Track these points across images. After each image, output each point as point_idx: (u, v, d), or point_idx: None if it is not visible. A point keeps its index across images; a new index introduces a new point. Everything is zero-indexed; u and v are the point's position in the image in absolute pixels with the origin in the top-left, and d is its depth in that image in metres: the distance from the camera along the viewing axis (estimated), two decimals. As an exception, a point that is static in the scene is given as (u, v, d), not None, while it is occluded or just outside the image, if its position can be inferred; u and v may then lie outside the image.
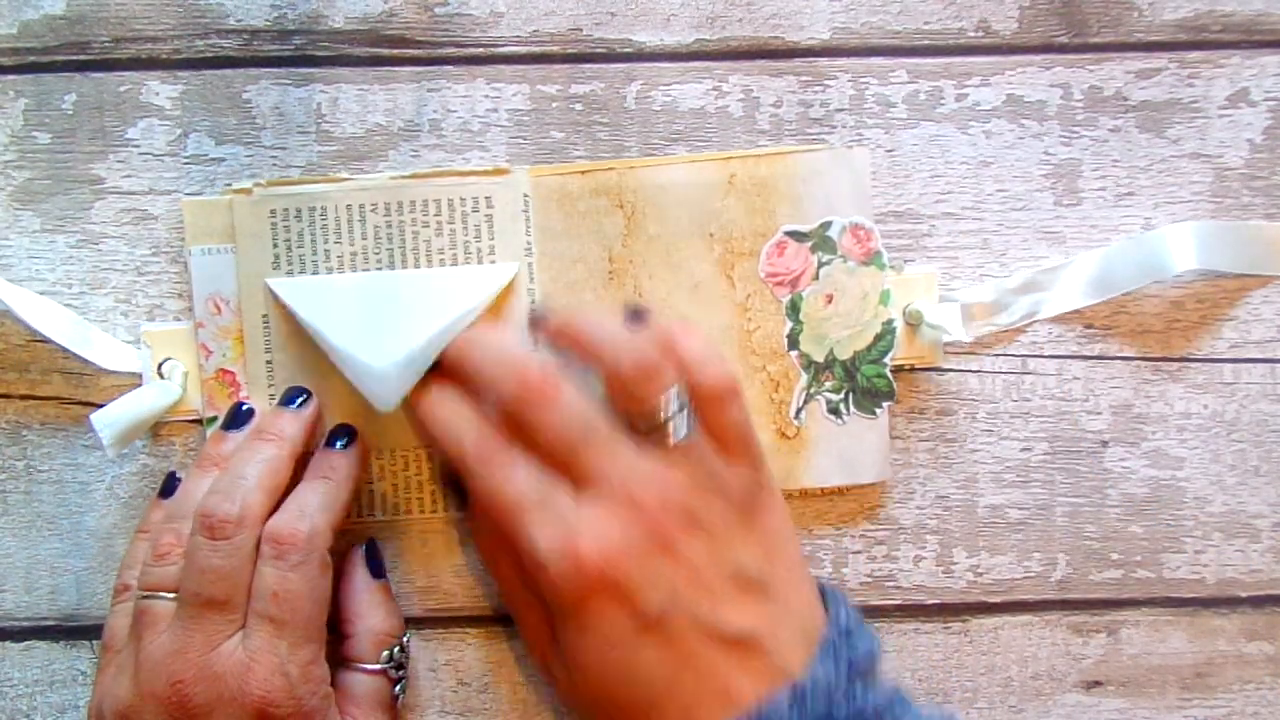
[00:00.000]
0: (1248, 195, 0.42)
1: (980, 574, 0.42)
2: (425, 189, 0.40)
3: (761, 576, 0.36)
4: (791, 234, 0.41)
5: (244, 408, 0.39)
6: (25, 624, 0.41)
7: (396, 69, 0.41)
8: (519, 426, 0.37)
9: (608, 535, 0.35)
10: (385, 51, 0.41)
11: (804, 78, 0.41)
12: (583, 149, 0.41)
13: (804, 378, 0.41)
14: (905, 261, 0.42)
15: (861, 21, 0.42)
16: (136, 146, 0.41)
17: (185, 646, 0.35)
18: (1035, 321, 0.42)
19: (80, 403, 0.40)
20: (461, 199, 0.40)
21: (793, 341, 0.41)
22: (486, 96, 0.41)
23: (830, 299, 0.41)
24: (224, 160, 0.41)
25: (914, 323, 0.41)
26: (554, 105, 0.41)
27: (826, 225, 0.41)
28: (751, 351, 0.41)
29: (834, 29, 0.42)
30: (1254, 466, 0.42)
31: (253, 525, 0.36)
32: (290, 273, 0.39)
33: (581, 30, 0.41)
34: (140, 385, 0.40)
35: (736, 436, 0.37)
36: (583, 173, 0.40)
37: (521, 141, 0.41)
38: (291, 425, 0.38)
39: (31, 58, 0.41)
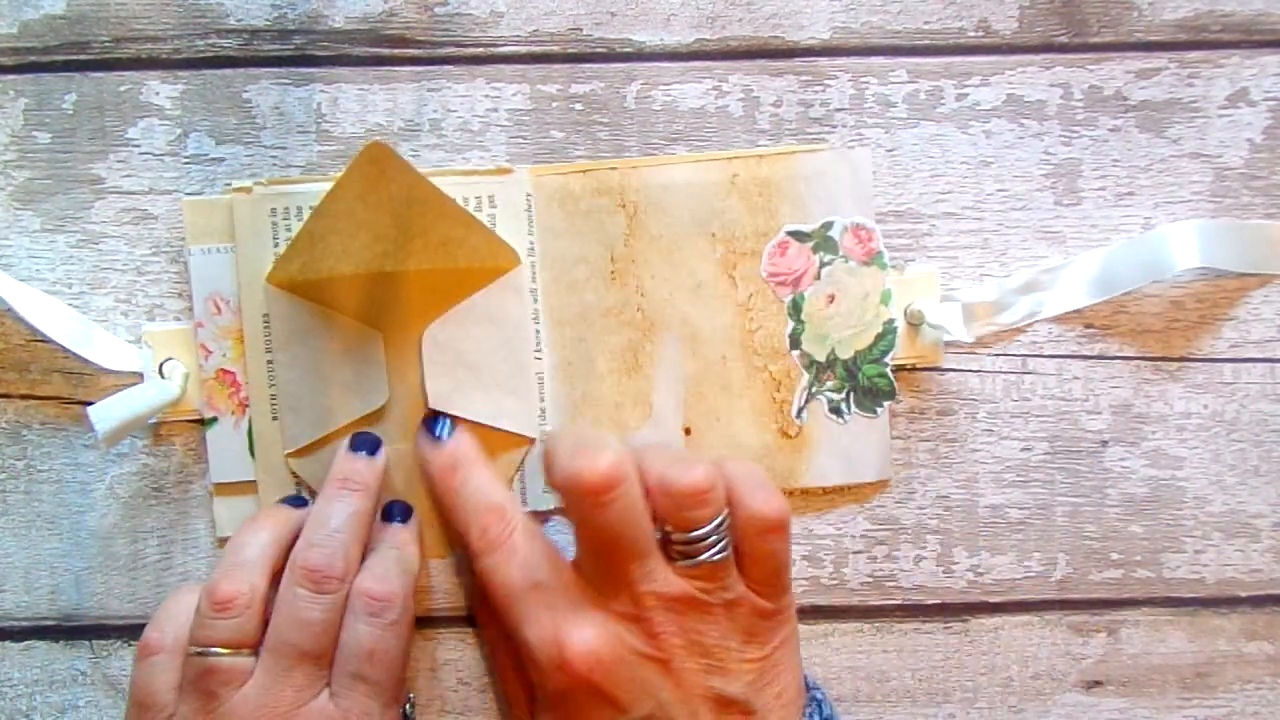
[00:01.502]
0: (1248, 195, 0.42)
1: (980, 574, 0.42)
2: None
3: (747, 701, 0.36)
4: (794, 234, 0.41)
5: (303, 498, 0.40)
6: (25, 624, 0.41)
7: (396, 69, 0.41)
8: (570, 509, 0.37)
9: (599, 640, 0.35)
10: (385, 51, 0.41)
11: (804, 77, 0.41)
12: (583, 149, 0.41)
13: (805, 377, 0.41)
14: (906, 261, 0.42)
15: (861, 21, 0.42)
16: (136, 146, 0.41)
17: (275, 701, 0.35)
18: (1037, 321, 0.42)
19: (80, 402, 0.40)
20: (464, 199, 0.40)
21: (794, 341, 0.41)
22: (486, 96, 0.41)
23: (832, 299, 0.41)
24: (224, 160, 0.41)
25: (915, 322, 0.41)
26: (554, 105, 0.41)
27: (828, 225, 0.41)
28: (753, 351, 0.41)
29: (834, 29, 0.42)
30: (1254, 466, 0.42)
31: (349, 580, 0.36)
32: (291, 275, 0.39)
33: (581, 30, 0.41)
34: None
35: (771, 569, 0.37)
36: (584, 172, 0.40)
37: (521, 141, 0.41)
38: (372, 475, 0.38)
39: (31, 57, 0.41)
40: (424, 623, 0.41)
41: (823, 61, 0.42)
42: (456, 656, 0.41)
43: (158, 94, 0.41)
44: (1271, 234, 0.42)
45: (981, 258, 0.42)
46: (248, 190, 0.40)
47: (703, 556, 0.36)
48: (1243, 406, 0.42)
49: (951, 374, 0.42)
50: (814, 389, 0.41)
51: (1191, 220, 0.42)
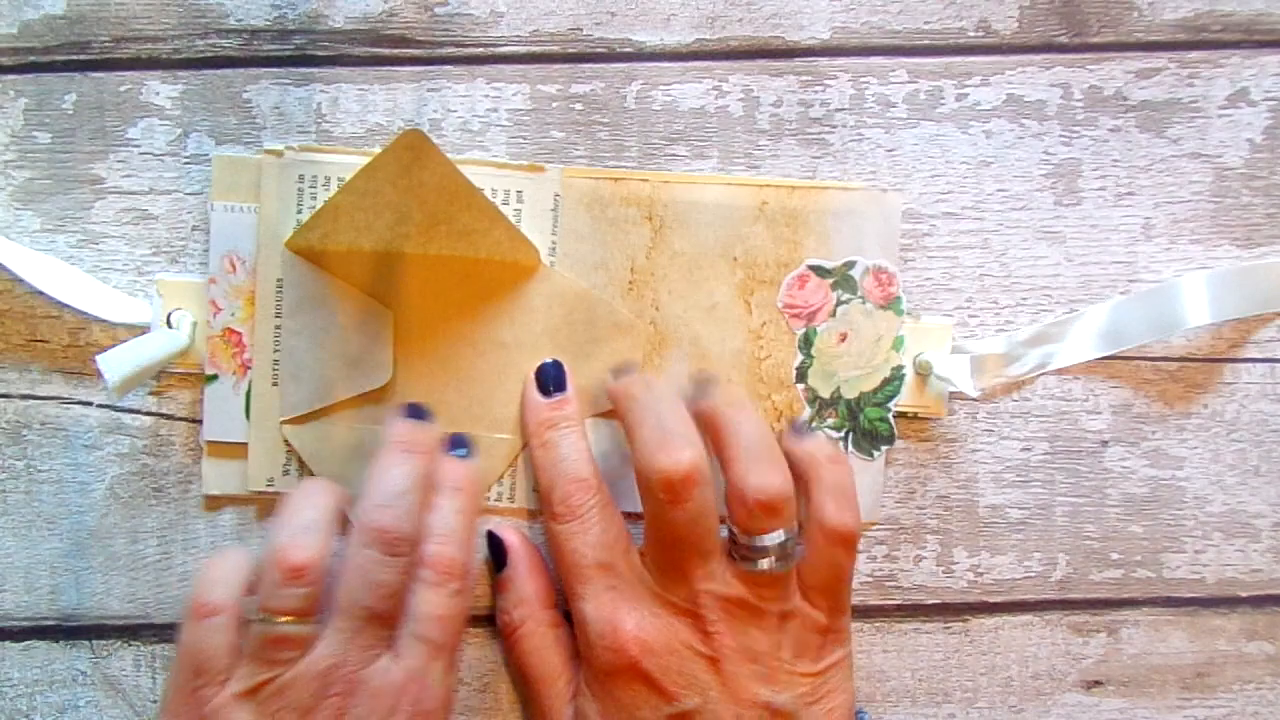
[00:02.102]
0: (1248, 195, 0.42)
1: (980, 574, 0.42)
2: None
3: (795, 713, 0.36)
4: (815, 268, 0.41)
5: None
6: (25, 624, 0.41)
7: (396, 69, 0.41)
8: (645, 499, 0.37)
9: (653, 628, 0.36)
10: (385, 51, 0.41)
11: (804, 77, 0.41)
12: (583, 149, 0.41)
13: (807, 411, 0.41)
14: (922, 310, 0.41)
15: (861, 21, 0.42)
16: (137, 146, 0.41)
17: (342, 661, 0.35)
18: (1044, 373, 0.42)
19: (80, 403, 0.40)
20: (494, 191, 0.40)
21: (801, 374, 0.41)
22: (486, 96, 0.41)
23: (844, 337, 0.41)
24: (224, 160, 0.41)
25: (923, 373, 0.41)
26: (554, 105, 0.41)
27: (850, 264, 0.41)
28: (759, 379, 0.41)
29: (834, 29, 0.42)
30: (1254, 466, 0.42)
31: (416, 542, 0.36)
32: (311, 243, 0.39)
33: (581, 30, 0.41)
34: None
35: (830, 579, 0.37)
36: (615, 180, 0.40)
37: (521, 141, 0.41)
38: (430, 439, 0.38)
39: (32, 57, 0.41)
40: (424, 623, 0.41)
41: (823, 61, 0.42)
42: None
43: (158, 94, 0.41)
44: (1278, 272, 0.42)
45: (981, 258, 0.42)
46: (279, 154, 0.40)
47: (762, 564, 0.36)
48: (1243, 406, 0.42)
49: (951, 374, 0.42)
50: (814, 424, 0.41)
51: (1201, 272, 0.41)
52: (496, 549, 0.40)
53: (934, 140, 0.42)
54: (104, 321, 0.40)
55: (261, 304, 0.40)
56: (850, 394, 0.41)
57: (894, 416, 0.41)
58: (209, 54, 0.41)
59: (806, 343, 0.41)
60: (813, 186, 0.41)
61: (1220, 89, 0.42)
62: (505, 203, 0.40)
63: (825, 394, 0.41)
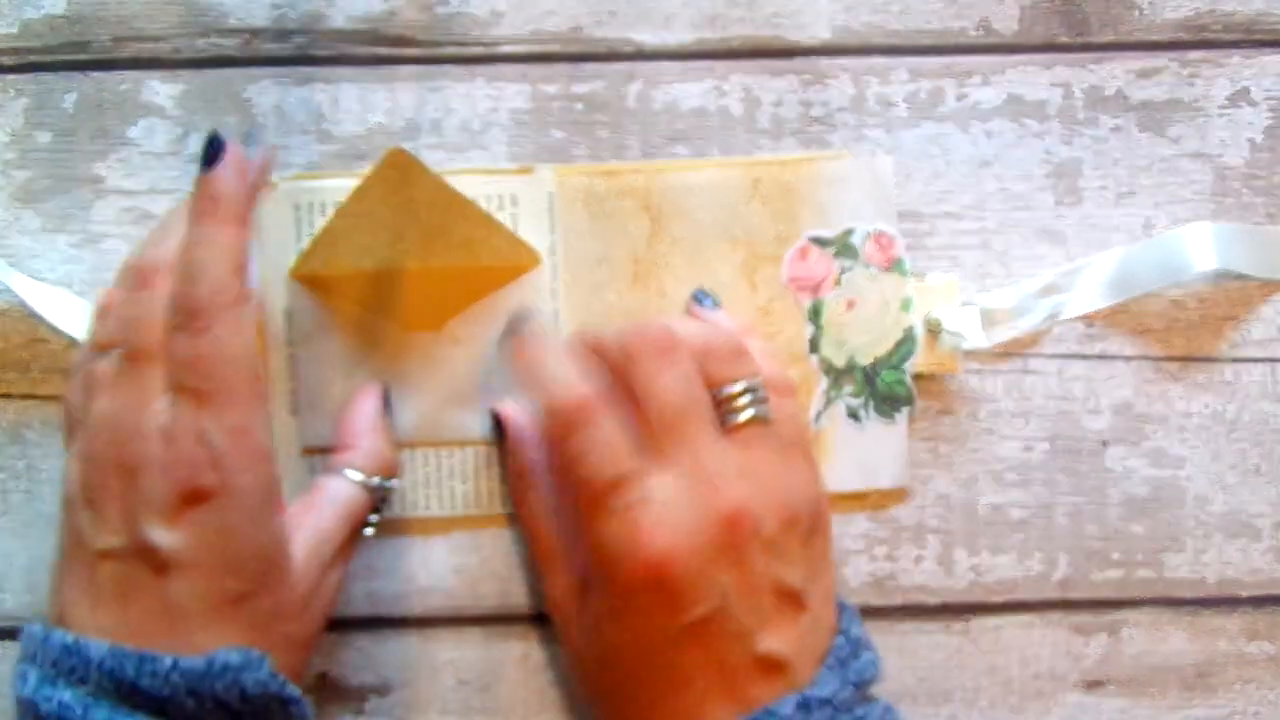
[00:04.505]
0: (1248, 195, 0.42)
1: (981, 574, 0.42)
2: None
3: (804, 591, 0.36)
4: (815, 240, 0.41)
5: None
6: (25, 624, 0.41)
7: (397, 68, 0.41)
8: (623, 382, 0.35)
9: (678, 530, 0.34)
10: (386, 51, 0.41)
11: (804, 77, 0.41)
12: (583, 148, 0.41)
13: (824, 382, 0.41)
14: (926, 269, 0.41)
15: (862, 21, 0.42)
16: (137, 146, 0.41)
17: (123, 405, 0.33)
18: (1056, 324, 0.41)
19: (80, 402, 0.40)
20: (486, 197, 0.40)
21: (814, 346, 0.41)
22: (487, 96, 0.41)
23: (851, 305, 0.41)
24: (224, 160, 0.41)
25: (934, 330, 0.41)
26: (554, 105, 0.41)
27: (849, 232, 0.41)
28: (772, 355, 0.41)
29: (835, 28, 0.42)
30: (1255, 466, 0.42)
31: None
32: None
33: (582, 30, 0.41)
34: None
35: (797, 433, 0.37)
36: (609, 174, 0.40)
37: (522, 141, 0.41)
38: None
39: (32, 57, 0.41)
40: (423, 623, 0.41)
41: (823, 61, 0.42)
42: (456, 656, 0.41)
43: (158, 94, 0.41)
44: None
45: (982, 258, 0.42)
46: (272, 185, 0.40)
47: (748, 413, 0.35)
48: (1243, 406, 0.42)
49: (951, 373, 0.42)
50: (832, 394, 0.41)
51: (1207, 223, 0.42)
52: (496, 425, 0.40)
53: (934, 140, 0.42)
54: None
55: (272, 336, 0.40)
56: (864, 360, 0.41)
57: (911, 378, 0.41)
58: (209, 54, 0.41)
59: (815, 314, 0.41)
60: (803, 159, 0.41)
61: (1221, 89, 0.42)
62: (500, 208, 0.40)
63: (840, 363, 0.41)
